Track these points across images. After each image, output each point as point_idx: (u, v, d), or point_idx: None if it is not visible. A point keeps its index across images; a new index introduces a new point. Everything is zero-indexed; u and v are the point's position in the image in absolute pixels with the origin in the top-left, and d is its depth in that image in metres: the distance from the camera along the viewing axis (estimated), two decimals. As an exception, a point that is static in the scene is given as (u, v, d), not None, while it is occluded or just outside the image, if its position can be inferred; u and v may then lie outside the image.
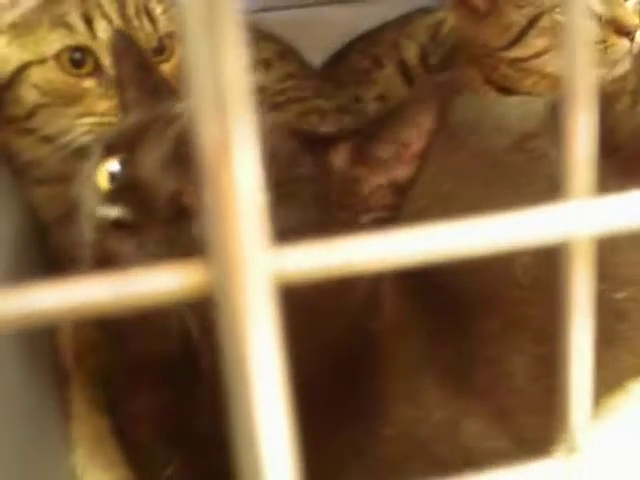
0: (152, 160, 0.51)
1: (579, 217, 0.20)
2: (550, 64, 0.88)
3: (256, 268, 0.17)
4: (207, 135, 0.17)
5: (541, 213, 0.20)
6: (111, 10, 0.74)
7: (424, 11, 1.07)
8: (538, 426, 0.61)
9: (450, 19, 1.00)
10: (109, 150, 0.54)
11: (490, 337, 0.62)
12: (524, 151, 0.75)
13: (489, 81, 0.94)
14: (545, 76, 0.90)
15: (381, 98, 1.01)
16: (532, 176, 0.73)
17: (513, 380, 0.62)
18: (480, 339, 0.62)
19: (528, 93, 0.89)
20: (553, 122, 0.77)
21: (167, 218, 0.49)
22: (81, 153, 0.75)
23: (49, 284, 0.17)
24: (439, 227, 0.19)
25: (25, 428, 0.57)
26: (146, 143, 0.52)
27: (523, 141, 0.76)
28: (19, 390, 0.58)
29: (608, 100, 0.78)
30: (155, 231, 0.49)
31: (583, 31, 0.19)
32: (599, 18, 0.86)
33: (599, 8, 0.86)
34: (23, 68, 0.73)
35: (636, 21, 0.85)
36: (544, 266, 0.63)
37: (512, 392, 0.62)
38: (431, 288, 0.60)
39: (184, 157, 0.49)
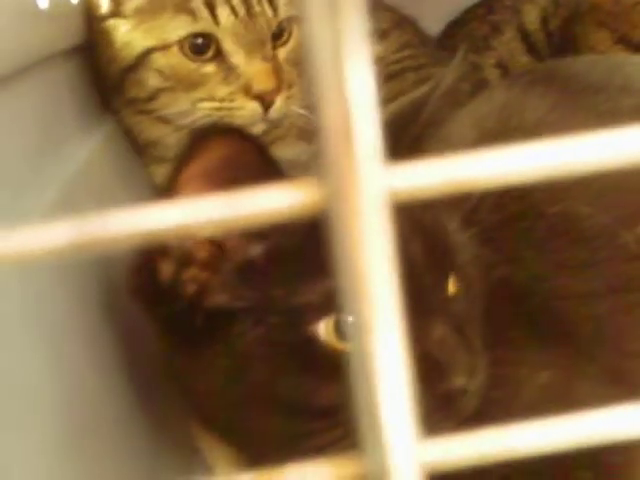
0: None
1: None
2: None
3: (371, 185, 0.17)
4: (319, 43, 0.16)
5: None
6: None
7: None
8: None
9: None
10: None
11: (593, 297, 0.60)
12: None
13: (622, 40, 0.89)
14: None
15: (500, 65, 0.98)
16: None
17: (622, 340, 0.60)
18: (583, 298, 0.60)
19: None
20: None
21: None
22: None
23: (166, 204, 0.17)
24: (563, 141, 0.18)
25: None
26: None
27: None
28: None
29: None
30: None
31: None
32: None
33: None
34: (147, 53, 0.75)
35: None
36: None
37: (623, 353, 0.60)
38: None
39: None
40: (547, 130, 0.68)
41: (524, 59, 0.98)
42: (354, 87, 0.16)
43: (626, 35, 0.89)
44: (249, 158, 0.47)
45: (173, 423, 0.63)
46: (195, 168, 0.47)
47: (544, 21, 0.99)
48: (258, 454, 0.54)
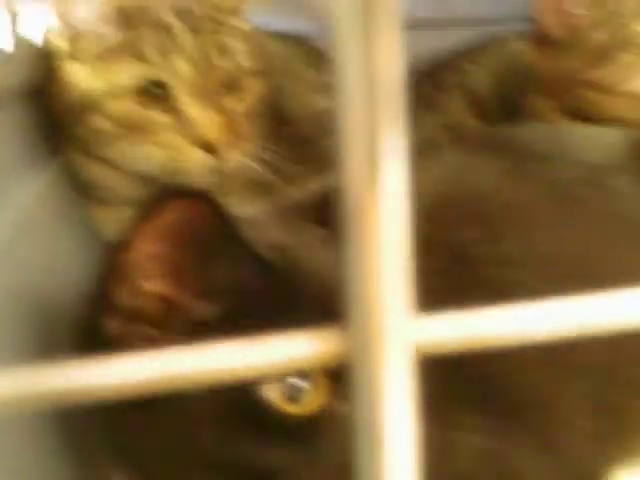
0: None
1: None
2: (635, 83, 0.86)
3: (398, 337, 0.16)
4: (351, 190, 0.16)
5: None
6: (191, 46, 0.73)
7: (495, 40, 1.05)
8: (590, 459, 0.59)
9: (521, 50, 0.99)
10: None
11: (531, 363, 0.61)
12: (600, 187, 0.73)
13: (568, 110, 0.91)
14: (630, 96, 0.87)
15: (449, 127, 1.00)
16: (607, 214, 0.70)
17: (558, 409, 0.61)
18: (519, 365, 0.61)
19: (611, 118, 0.86)
20: (633, 160, 0.75)
21: None
22: (148, 182, 0.76)
23: (179, 349, 0.16)
24: (583, 300, 0.18)
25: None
26: None
27: (599, 176, 0.74)
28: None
29: None
30: None
31: None
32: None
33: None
34: (99, 97, 0.74)
35: None
36: None
37: (558, 422, 0.61)
38: None
39: None
40: (499, 197, 0.69)
41: (472, 122, 0.99)
42: (386, 235, 0.16)
43: (569, 106, 0.92)
44: (207, 220, 0.46)
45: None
46: (151, 226, 0.46)
47: (493, 86, 1.01)
48: None
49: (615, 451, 0.62)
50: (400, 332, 0.16)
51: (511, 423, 0.58)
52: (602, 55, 0.87)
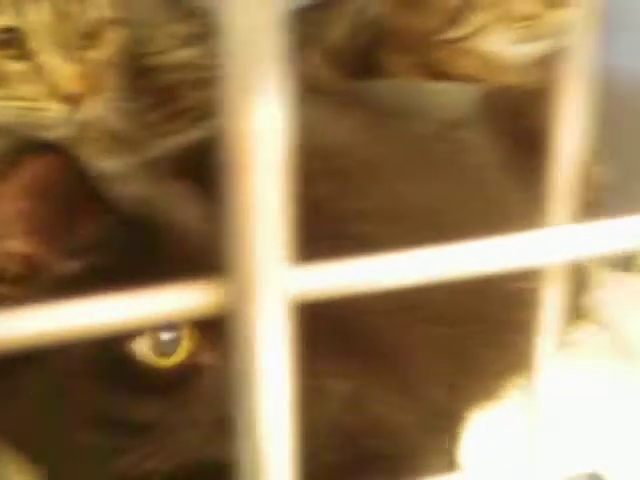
0: None
1: (558, 243, 0.21)
2: (486, 42, 0.90)
3: (273, 286, 0.17)
4: (232, 136, 0.17)
5: (521, 239, 0.21)
6: None
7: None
8: (445, 400, 0.63)
9: (376, 4, 1.01)
10: None
11: (387, 312, 0.63)
12: (450, 140, 0.77)
13: (421, 66, 0.94)
14: (480, 56, 0.91)
15: (304, 80, 1.00)
16: (456, 166, 0.74)
17: (414, 354, 0.64)
18: (377, 314, 0.63)
19: (463, 76, 0.90)
20: (480, 113, 0.79)
21: None
22: (3, 134, 0.73)
23: (66, 302, 0.17)
24: (436, 250, 0.19)
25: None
26: None
27: (449, 129, 0.77)
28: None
29: (532, 97, 0.79)
30: None
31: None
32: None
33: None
34: None
35: None
36: None
37: (415, 366, 0.64)
38: None
39: None
40: (356, 152, 0.71)
41: (327, 76, 1.00)
42: (262, 187, 0.17)
43: (422, 62, 0.94)
44: (67, 176, 0.46)
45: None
46: (11, 183, 0.45)
47: (349, 40, 1.02)
48: (70, 475, 0.53)
49: (468, 393, 0.67)
50: (275, 281, 0.17)
51: (372, 368, 0.61)
52: (455, 15, 0.90)
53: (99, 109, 0.75)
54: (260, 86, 0.16)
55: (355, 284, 0.18)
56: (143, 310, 0.17)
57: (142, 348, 0.48)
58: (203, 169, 0.53)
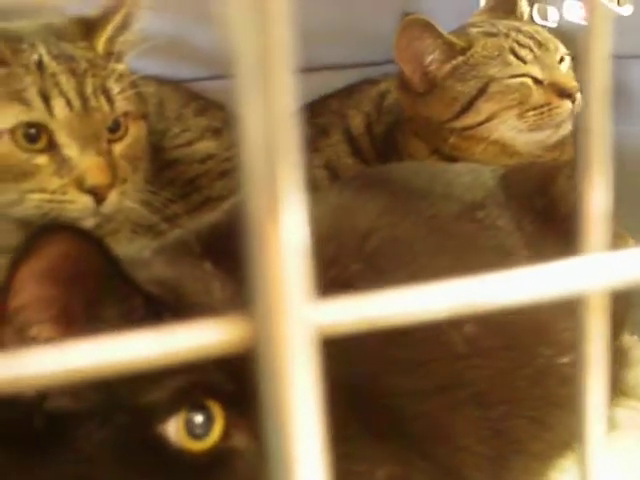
0: None
1: (596, 271, 0.21)
2: (498, 129, 0.91)
3: (299, 322, 0.17)
4: (255, 187, 0.17)
5: (559, 267, 0.20)
6: (69, 88, 0.73)
7: (369, 82, 1.09)
8: None
9: (394, 92, 1.03)
10: None
11: (424, 395, 0.62)
12: (473, 220, 0.77)
13: (435, 151, 0.96)
14: (493, 142, 0.92)
15: (328, 166, 1.02)
16: (481, 246, 0.74)
17: (452, 436, 0.62)
18: (414, 395, 0.62)
19: (478, 161, 0.91)
20: (501, 193, 0.79)
21: None
22: (27, 226, 0.75)
23: (89, 339, 0.17)
24: (467, 281, 0.19)
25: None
26: None
27: (472, 210, 0.78)
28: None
29: (551, 173, 0.80)
30: None
31: (601, 94, 0.20)
32: (541, 82, 0.91)
33: (540, 73, 0.91)
34: None
35: (574, 83, 0.90)
36: (487, 334, 0.64)
37: (453, 448, 0.62)
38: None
39: None
40: (378, 234, 0.72)
41: (350, 161, 1.02)
42: (288, 232, 0.17)
43: (436, 148, 0.96)
44: (89, 258, 0.46)
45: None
46: (33, 266, 0.45)
47: (369, 126, 1.04)
48: None
49: (511, 475, 0.65)
50: (300, 316, 0.17)
51: (411, 453, 0.60)
52: (468, 104, 0.92)
53: (124, 201, 0.76)
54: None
55: (381, 317, 0.18)
56: (169, 347, 0.17)
57: (173, 430, 0.47)
58: (226, 250, 0.53)
